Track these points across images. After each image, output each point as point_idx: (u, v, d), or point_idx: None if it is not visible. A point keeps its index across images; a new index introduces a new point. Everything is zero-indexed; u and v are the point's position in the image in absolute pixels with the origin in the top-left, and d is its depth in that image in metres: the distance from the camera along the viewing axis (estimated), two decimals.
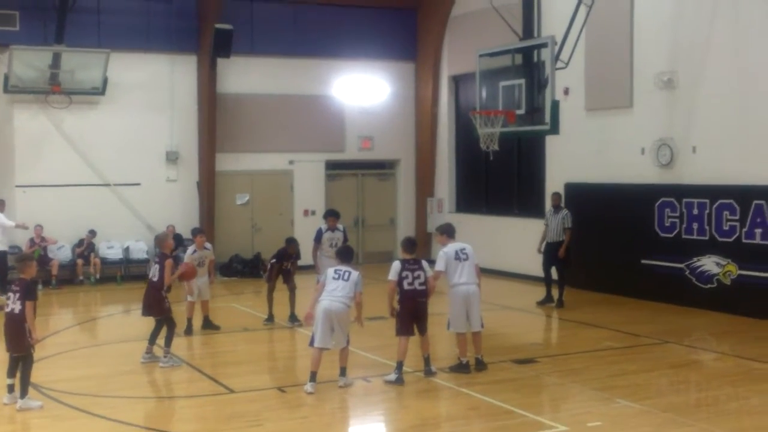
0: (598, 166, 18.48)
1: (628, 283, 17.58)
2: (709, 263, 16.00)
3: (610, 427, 9.32)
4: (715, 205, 15.93)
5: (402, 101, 24.36)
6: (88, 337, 15.53)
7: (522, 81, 16.11)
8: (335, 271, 11.00)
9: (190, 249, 14.64)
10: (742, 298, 15.36)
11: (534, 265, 17.81)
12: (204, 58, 21.75)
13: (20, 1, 20.19)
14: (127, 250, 21.39)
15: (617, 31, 17.97)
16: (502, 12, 17.18)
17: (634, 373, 11.64)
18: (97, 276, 20.65)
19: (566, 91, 18.67)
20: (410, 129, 24.57)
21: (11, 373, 10.23)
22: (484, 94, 16.90)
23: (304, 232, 19.39)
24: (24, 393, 10.10)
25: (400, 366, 11.11)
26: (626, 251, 17.63)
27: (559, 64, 15.83)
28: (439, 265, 11.58)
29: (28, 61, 19.86)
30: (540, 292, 17.37)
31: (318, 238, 15.54)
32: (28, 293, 10.10)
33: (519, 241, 20.08)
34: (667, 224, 16.84)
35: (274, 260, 15.39)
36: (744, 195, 15.42)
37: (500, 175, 22.21)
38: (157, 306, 12.27)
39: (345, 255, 11.40)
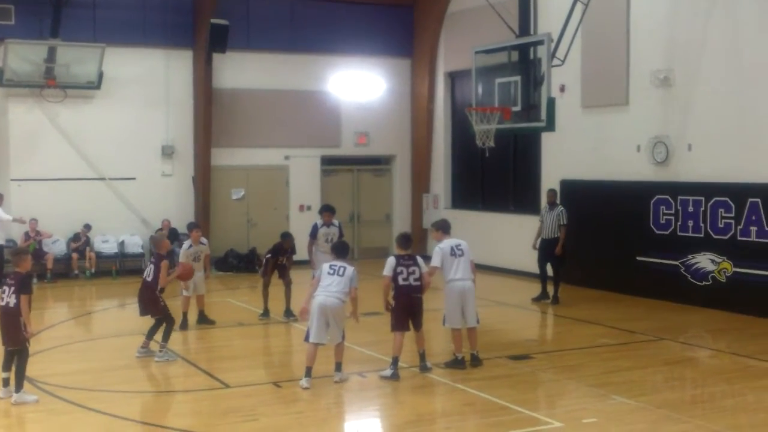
0: (594, 164, 18.49)
1: (623, 280, 17.60)
2: (704, 261, 16.03)
3: (605, 424, 9.33)
4: (710, 203, 15.95)
5: (398, 97, 24.36)
6: (83, 331, 15.50)
7: (518, 78, 16.10)
8: (330, 267, 10.99)
9: (186, 244, 14.62)
10: (738, 296, 15.39)
11: (529, 261, 17.82)
12: (200, 53, 21.72)
13: None
14: (122, 244, 21.35)
15: (613, 28, 17.97)
16: (498, 9, 17.20)
17: (630, 369, 11.66)
18: (92, 270, 20.62)
19: (562, 88, 18.67)
20: (406, 125, 24.57)
21: (6, 367, 10.23)
22: (480, 90, 16.90)
23: (300, 227, 19.40)
24: (19, 387, 10.08)
25: (395, 362, 11.12)
26: (621, 248, 17.65)
27: (555, 62, 15.82)
28: (435, 261, 11.59)
29: (24, 55, 19.81)
30: (535, 288, 17.39)
31: (313, 233, 15.54)
32: (23, 287, 10.08)
33: (514, 237, 20.09)
34: (663, 221, 16.86)
35: (269, 255, 15.37)
36: (739, 193, 15.44)
37: (496, 172, 22.23)
38: (152, 306, 12.25)
39: (340, 250, 11.39)
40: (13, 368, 10.16)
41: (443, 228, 11.98)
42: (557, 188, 18.09)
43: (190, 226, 15.25)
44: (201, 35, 21.50)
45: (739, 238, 15.44)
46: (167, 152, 21.91)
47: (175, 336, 12.62)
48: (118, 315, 16.83)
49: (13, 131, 20.55)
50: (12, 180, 20.45)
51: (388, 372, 11.10)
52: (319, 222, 15.65)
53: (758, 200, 15.11)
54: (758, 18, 15.44)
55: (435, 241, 12.05)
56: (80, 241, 20.65)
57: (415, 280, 11.17)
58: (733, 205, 15.54)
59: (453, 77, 23.67)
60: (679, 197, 16.52)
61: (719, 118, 16.04)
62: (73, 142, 20.95)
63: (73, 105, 20.78)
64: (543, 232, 17.00)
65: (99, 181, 21.29)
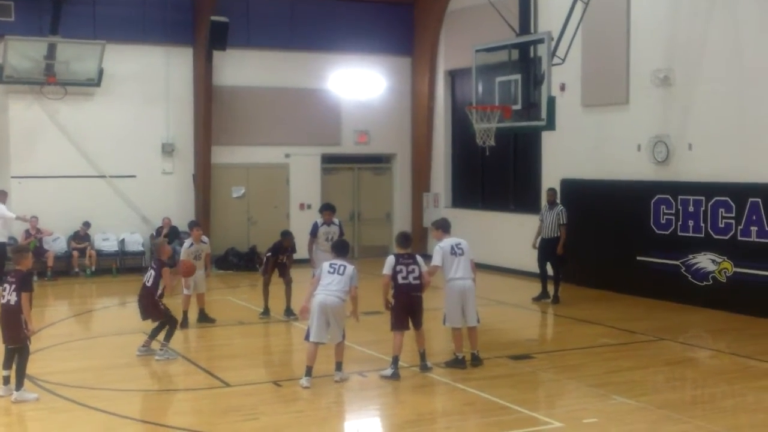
0: (594, 163, 18.49)
1: (623, 280, 17.60)
2: (705, 260, 16.03)
3: (605, 424, 9.33)
4: (710, 203, 15.94)
5: (398, 96, 24.35)
6: (83, 329, 15.50)
7: (518, 77, 16.08)
8: (330, 265, 10.99)
9: (187, 242, 14.62)
10: (738, 296, 15.38)
11: (530, 260, 17.80)
12: (200, 51, 21.70)
13: None
14: (122, 242, 21.34)
15: (614, 27, 17.96)
16: (498, 7, 17.18)
17: (630, 369, 11.66)
18: (93, 268, 20.61)
19: (562, 87, 18.66)
20: (406, 123, 24.56)
21: (7, 365, 10.22)
22: (480, 89, 16.88)
23: (300, 225, 19.37)
24: (20, 385, 10.08)
25: (396, 361, 11.11)
26: (622, 248, 17.64)
27: (556, 60, 15.81)
28: (436, 260, 11.59)
29: (24, 52, 19.79)
30: (536, 287, 17.38)
31: (314, 231, 15.55)
32: (23, 284, 10.08)
33: (515, 236, 20.08)
34: (663, 221, 16.85)
35: (269, 254, 15.36)
36: (740, 192, 15.43)
37: (496, 171, 22.22)
38: (153, 310, 12.24)
39: (340, 249, 11.39)
40: (14, 366, 10.15)
41: (443, 227, 11.98)
42: (557, 187, 18.09)
43: (191, 225, 15.27)
44: (201, 32, 21.49)
45: (739, 238, 15.43)
46: (167, 150, 21.90)
47: (176, 334, 12.60)
48: (119, 313, 16.82)
49: (13, 128, 20.53)
50: (12, 177, 20.43)
51: (388, 371, 11.09)
52: (320, 220, 15.65)
53: (759, 200, 15.10)
54: (759, 17, 15.43)
55: (435, 240, 12.05)
56: (83, 242, 20.63)
57: (415, 278, 11.17)
58: (733, 205, 15.54)
59: (453, 75, 23.66)
60: (680, 197, 16.52)
61: (720, 117, 16.03)
62: (73, 140, 20.94)
63: (73, 102, 20.76)
64: (543, 232, 16.99)
65: (99, 178, 21.28)
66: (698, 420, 9.41)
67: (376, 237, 24.42)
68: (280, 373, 11.74)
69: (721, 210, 15.75)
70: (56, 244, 20.71)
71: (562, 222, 16.72)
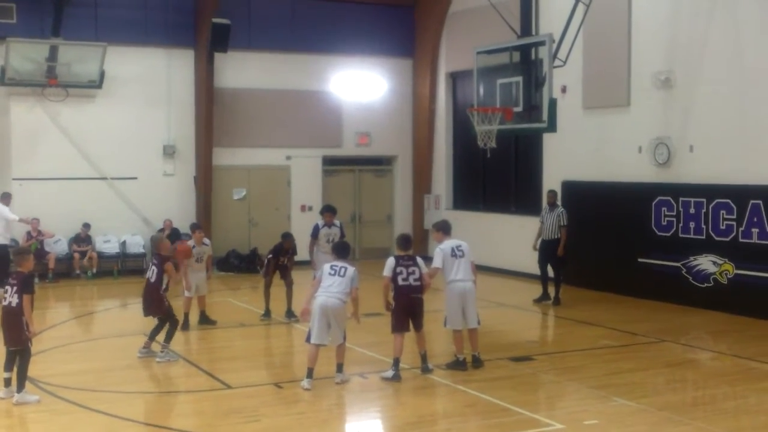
0: (596, 165, 18.49)
1: (624, 282, 17.60)
2: (706, 262, 16.03)
3: (606, 426, 9.33)
4: (711, 205, 15.94)
5: (399, 97, 24.36)
6: (84, 331, 15.51)
7: (519, 79, 16.08)
8: (331, 267, 10.99)
9: (189, 244, 14.61)
10: (739, 298, 15.37)
11: (531, 262, 17.80)
12: (201, 53, 21.73)
13: None
14: (123, 244, 21.35)
15: (615, 29, 17.97)
16: (499, 9, 17.20)
17: (631, 371, 11.65)
18: (94, 270, 20.62)
19: (564, 89, 18.66)
20: (407, 125, 24.58)
21: (8, 367, 10.23)
22: (481, 91, 16.88)
23: (301, 227, 19.36)
24: (21, 387, 10.09)
25: (396, 363, 11.11)
26: (623, 249, 17.64)
27: (557, 62, 15.82)
28: (436, 262, 11.60)
29: (25, 54, 19.82)
30: (536, 289, 17.39)
31: (315, 233, 15.55)
32: (25, 286, 10.10)
33: (516, 238, 20.08)
34: (664, 223, 16.85)
35: (270, 255, 15.37)
36: (741, 194, 15.43)
37: (497, 173, 22.23)
38: (156, 306, 12.26)
39: (341, 250, 11.41)
40: (15, 368, 10.16)
41: (443, 229, 11.98)
42: (559, 189, 18.10)
43: (193, 227, 15.25)
44: (202, 35, 21.51)
45: (740, 240, 15.43)
46: (169, 152, 21.92)
47: (177, 336, 12.62)
48: (120, 315, 16.82)
49: (14, 130, 20.56)
50: (14, 179, 20.44)
51: (389, 373, 11.10)
52: (321, 222, 15.65)
53: (760, 202, 15.10)
54: (759, 19, 15.43)
55: (436, 242, 12.05)
56: (85, 245, 20.64)
57: (415, 280, 11.17)
58: (734, 207, 15.53)
59: (454, 77, 23.67)
60: (681, 199, 16.52)
61: (721, 119, 16.03)
62: (74, 142, 20.96)
63: (74, 104, 20.78)
64: (543, 233, 17.00)
65: (100, 180, 21.30)
66: (699, 422, 9.40)
67: (377, 239, 24.43)
68: (282, 375, 11.75)
69: (723, 212, 15.75)
70: (57, 246, 20.73)
71: (562, 224, 16.73)
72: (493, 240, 20.99)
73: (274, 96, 22.86)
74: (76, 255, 20.52)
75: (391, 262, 11.23)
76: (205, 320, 14.76)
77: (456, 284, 11.56)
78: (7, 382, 10.24)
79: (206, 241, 14.82)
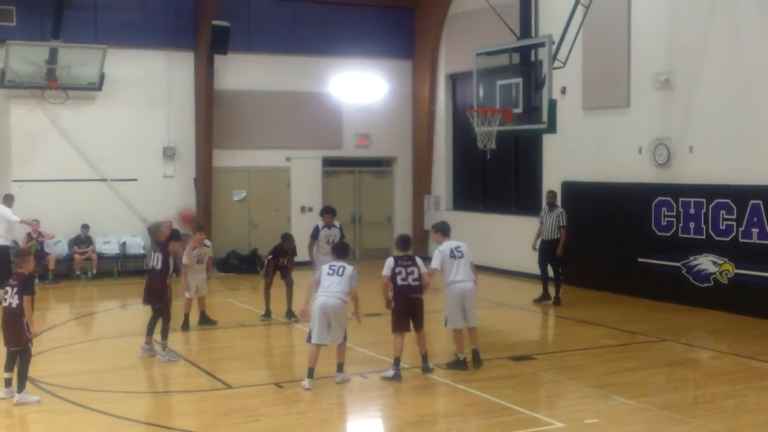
0: (595, 165, 18.50)
1: (625, 282, 17.61)
2: (706, 262, 16.04)
3: (606, 425, 9.33)
4: (711, 205, 15.95)
5: (399, 99, 24.38)
6: (85, 331, 15.51)
7: (519, 80, 16.07)
8: (330, 267, 11.01)
9: (189, 245, 14.63)
10: (739, 297, 15.39)
11: (531, 262, 17.81)
12: (201, 55, 21.74)
13: None
14: (123, 245, 21.36)
15: (614, 30, 17.99)
16: (499, 11, 17.22)
17: (631, 370, 11.66)
18: (94, 271, 20.64)
19: (563, 91, 18.67)
20: (407, 127, 24.59)
21: (9, 368, 10.24)
22: (481, 92, 16.89)
23: (301, 228, 19.36)
24: (21, 387, 10.10)
25: (397, 362, 11.12)
26: (623, 249, 17.65)
27: (557, 64, 15.82)
28: (435, 263, 11.60)
29: (25, 56, 19.83)
30: (536, 289, 17.40)
31: (315, 234, 15.55)
32: (25, 287, 10.11)
33: (516, 239, 20.08)
34: (664, 223, 16.86)
35: (270, 256, 15.39)
36: (740, 194, 15.44)
37: (497, 174, 22.24)
38: (158, 295, 12.30)
39: (340, 251, 11.44)
40: (16, 369, 10.17)
41: (443, 230, 11.98)
42: (559, 190, 18.11)
43: (194, 228, 15.25)
44: (202, 37, 21.53)
45: (740, 240, 15.44)
46: (168, 154, 21.94)
47: (177, 337, 12.65)
48: (120, 316, 16.83)
49: (14, 132, 20.57)
50: (14, 181, 20.45)
51: (389, 373, 11.10)
52: (321, 223, 15.65)
53: (760, 202, 15.11)
54: (759, 20, 15.45)
55: (435, 243, 12.07)
56: (85, 246, 20.65)
57: (414, 280, 11.18)
58: (734, 207, 15.55)
59: (454, 79, 23.69)
60: (681, 199, 16.53)
61: (720, 120, 16.05)
62: (74, 144, 20.97)
63: (74, 106, 20.79)
64: (543, 234, 17.01)
65: (100, 182, 21.32)
66: (699, 420, 9.41)
67: (377, 240, 24.44)
68: (282, 375, 11.75)
69: (722, 212, 15.76)
70: (57, 247, 20.75)
71: (561, 224, 16.74)
72: (493, 240, 21.00)
73: (274, 98, 22.88)
74: (77, 256, 20.52)
75: (390, 262, 11.24)
76: (205, 321, 14.77)
77: (456, 285, 11.56)
78: (8, 383, 10.25)
79: (207, 242, 14.83)
